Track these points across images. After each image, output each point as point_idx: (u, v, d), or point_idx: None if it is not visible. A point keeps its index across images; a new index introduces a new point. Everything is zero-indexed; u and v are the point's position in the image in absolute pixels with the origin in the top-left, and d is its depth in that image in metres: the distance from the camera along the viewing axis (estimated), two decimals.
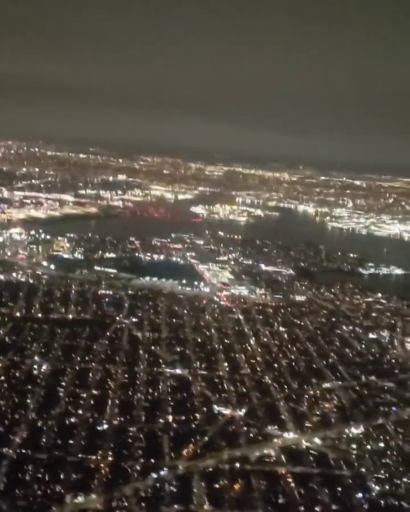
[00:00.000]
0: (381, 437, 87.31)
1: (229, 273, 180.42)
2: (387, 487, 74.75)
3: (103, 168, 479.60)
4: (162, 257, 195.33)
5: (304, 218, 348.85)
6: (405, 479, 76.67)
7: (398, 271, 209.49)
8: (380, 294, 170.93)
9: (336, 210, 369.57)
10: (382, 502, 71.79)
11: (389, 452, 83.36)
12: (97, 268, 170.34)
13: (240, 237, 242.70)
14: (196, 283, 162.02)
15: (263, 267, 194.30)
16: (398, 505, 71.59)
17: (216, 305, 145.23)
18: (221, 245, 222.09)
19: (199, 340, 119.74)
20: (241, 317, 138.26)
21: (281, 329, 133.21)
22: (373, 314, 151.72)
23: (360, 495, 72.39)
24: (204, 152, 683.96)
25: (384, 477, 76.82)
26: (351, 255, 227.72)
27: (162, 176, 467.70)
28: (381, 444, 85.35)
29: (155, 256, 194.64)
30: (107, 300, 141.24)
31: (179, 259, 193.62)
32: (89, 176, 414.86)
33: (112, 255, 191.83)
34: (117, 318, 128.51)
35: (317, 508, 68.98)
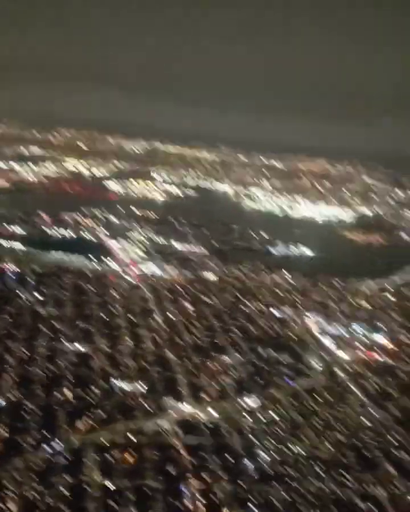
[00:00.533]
0: (274, 408, 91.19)
1: (140, 250, 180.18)
2: (275, 455, 78.37)
3: (17, 140, 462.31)
4: (72, 233, 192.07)
5: (222, 198, 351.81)
6: (293, 447, 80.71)
7: (307, 251, 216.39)
8: (287, 273, 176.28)
9: (253, 190, 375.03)
10: (270, 469, 75.22)
11: (280, 422, 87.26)
12: (3, 242, 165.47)
13: (154, 215, 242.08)
14: (105, 259, 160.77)
15: (175, 245, 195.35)
16: (286, 472, 75.30)
17: (124, 282, 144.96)
18: (135, 222, 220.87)
19: (103, 316, 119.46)
20: (148, 294, 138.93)
21: (188, 306, 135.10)
22: (279, 292, 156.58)
23: (248, 463, 75.54)
24: (124, 126, 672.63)
25: (273, 445, 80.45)
26: (264, 235, 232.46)
27: (78, 150, 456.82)
28: (274, 414, 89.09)
29: (65, 232, 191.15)
30: (11, 275, 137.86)
31: (89, 236, 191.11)
32: (1, 148, 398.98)
33: (21, 230, 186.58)
34: (21, 294, 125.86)
35: (206, 477, 71.39)
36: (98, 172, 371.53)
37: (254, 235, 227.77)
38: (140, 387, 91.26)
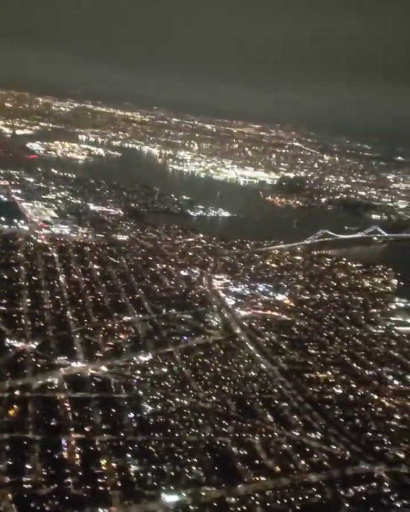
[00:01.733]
0: (166, 363, 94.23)
1: (54, 211, 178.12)
2: (159, 407, 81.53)
3: None
4: None
5: (147, 159, 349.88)
6: (177, 399, 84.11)
7: (225, 214, 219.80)
8: (201, 235, 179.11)
9: (180, 152, 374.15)
10: (151, 420, 78.34)
11: (170, 376, 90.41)
12: None
13: (73, 176, 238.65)
14: (15, 220, 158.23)
15: (91, 206, 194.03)
16: (166, 422, 78.60)
17: (31, 243, 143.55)
18: (52, 183, 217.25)
19: (5, 277, 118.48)
20: (56, 255, 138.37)
21: (95, 267, 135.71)
22: (190, 253, 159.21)
23: (131, 415, 78.38)
24: (56, 87, 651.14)
25: (158, 398, 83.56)
26: (184, 197, 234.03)
27: (2, 109, 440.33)
28: (164, 369, 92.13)
29: None
30: None
31: (2, 196, 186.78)
32: None
33: None
34: None
35: (87, 429, 73.74)
36: (22, 132, 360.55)
37: (174, 197, 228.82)
38: (33, 345, 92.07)
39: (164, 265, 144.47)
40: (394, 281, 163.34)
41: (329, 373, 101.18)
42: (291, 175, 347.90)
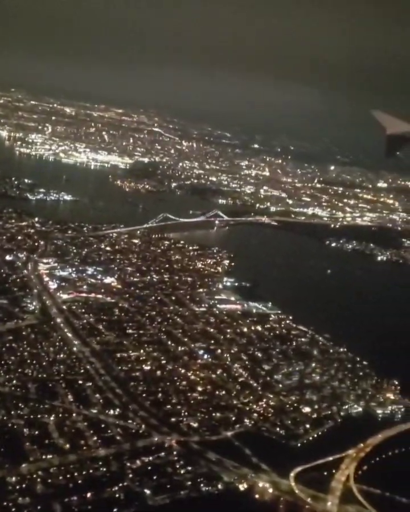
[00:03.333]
0: None
1: None
2: None
3: None
4: None
5: None
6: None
7: (68, 198, 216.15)
8: (36, 219, 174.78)
9: (32, 135, 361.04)
10: None
11: None
12: None
13: None
14: None
15: None
16: None
17: None
18: None
19: None
20: None
21: None
22: (19, 237, 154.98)
23: None
24: None
25: None
26: (26, 180, 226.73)
27: None
28: None
29: None
30: None
31: None
32: None
33: None
34: None
35: None
36: None
37: (14, 181, 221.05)
38: None
39: None
40: (226, 262, 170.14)
41: (141, 351, 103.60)
42: (146, 160, 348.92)
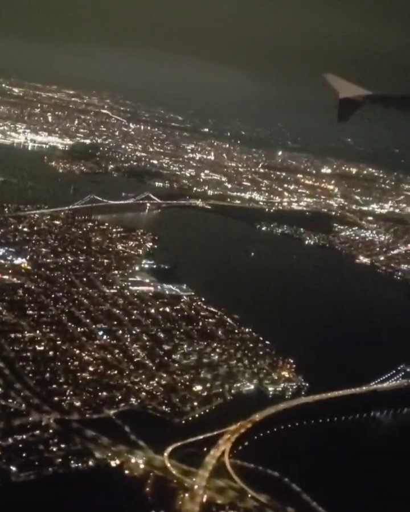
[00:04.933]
0: None
1: None
2: None
3: None
4: None
5: None
6: None
7: None
8: None
9: None
10: None
11: None
12: None
13: None
14: None
15: None
16: None
17: None
18: None
19: None
20: None
21: None
22: None
23: None
24: None
25: None
26: None
27: None
28: None
29: None
30: None
31: None
32: None
33: None
34: None
35: None
36: None
37: None
38: None
39: None
40: (149, 245, 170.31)
41: (38, 332, 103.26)
42: (87, 141, 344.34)
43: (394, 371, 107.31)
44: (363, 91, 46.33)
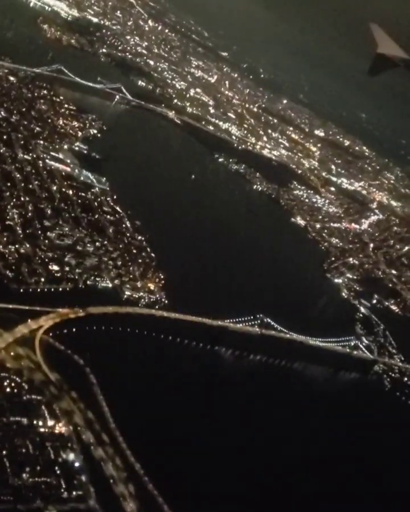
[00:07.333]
0: None
1: None
2: None
3: None
4: None
5: None
6: None
7: None
8: None
9: None
10: None
11: None
12: None
13: None
14: None
15: None
16: None
17: None
18: None
19: None
20: None
21: None
22: None
23: None
24: None
25: None
26: None
27: None
28: None
29: None
30: None
31: None
32: None
33: None
34: None
35: None
36: None
37: None
38: None
39: None
40: (93, 131, 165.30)
41: None
42: (94, 20, 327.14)
43: (251, 317, 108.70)
44: (402, 53, 44.59)
